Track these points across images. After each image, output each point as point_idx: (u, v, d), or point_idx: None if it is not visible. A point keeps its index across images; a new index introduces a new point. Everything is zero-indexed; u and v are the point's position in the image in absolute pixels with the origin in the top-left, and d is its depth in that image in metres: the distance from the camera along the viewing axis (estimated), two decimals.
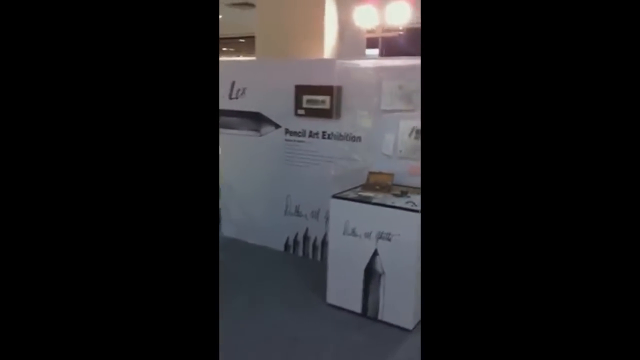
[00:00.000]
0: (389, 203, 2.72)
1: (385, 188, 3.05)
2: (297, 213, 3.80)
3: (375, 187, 3.08)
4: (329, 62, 3.50)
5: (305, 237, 3.79)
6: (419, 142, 3.09)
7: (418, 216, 2.54)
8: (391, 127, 3.21)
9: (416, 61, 3.04)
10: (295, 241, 3.85)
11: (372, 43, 5.22)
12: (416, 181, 3.11)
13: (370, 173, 3.22)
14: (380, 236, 2.69)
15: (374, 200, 2.78)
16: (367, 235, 2.73)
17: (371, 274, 2.76)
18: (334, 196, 2.88)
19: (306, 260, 3.76)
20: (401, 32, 5.62)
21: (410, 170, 3.12)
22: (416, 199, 2.78)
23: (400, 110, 3.14)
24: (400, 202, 2.75)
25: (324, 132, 3.56)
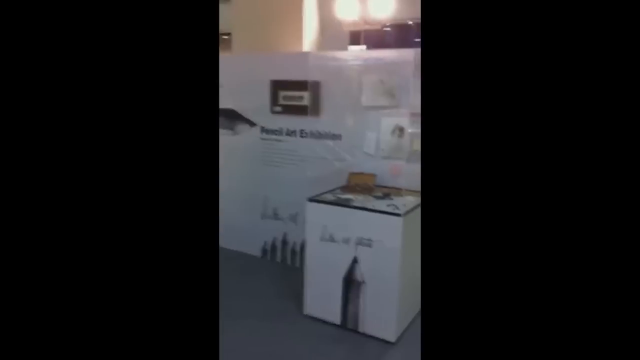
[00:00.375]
0: (369, 206, 2.51)
1: (367, 190, 2.85)
2: (275, 216, 3.58)
3: (356, 189, 2.88)
4: (305, 56, 3.28)
5: (284, 242, 3.58)
6: (401, 141, 2.90)
7: (400, 220, 2.34)
8: (373, 125, 3.02)
9: (398, 53, 2.84)
10: (273, 246, 3.63)
11: (356, 39, 5.03)
12: (399, 182, 2.92)
13: (351, 174, 3.02)
14: (360, 242, 2.48)
15: (353, 204, 2.58)
16: (346, 241, 2.52)
17: (351, 283, 2.56)
18: (311, 199, 2.67)
19: (285, 266, 3.55)
20: (387, 28, 5.44)
21: (392, 170, 2.93)
22: (398, 202, 2.58)
23: (382, 107, 2.94)
24: (381, 205, 2.55)
25: (302, 130, 3.34)
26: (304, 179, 3.25)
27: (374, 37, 5.30)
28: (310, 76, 3.14)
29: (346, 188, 2.92)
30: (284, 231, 3.55)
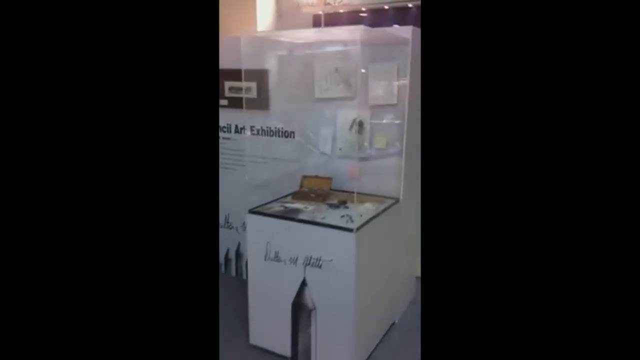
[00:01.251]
0: (318, 219, 2.11)
1: (321, 196, 2.44)
2: (227, 225, 3.17)
3: (309, 196, 2.47)
4: (248, 41, 2.78)
5: (238, 254, 3.17)
6: (361, 138, 2.49)
7: (352, 237, 1.94)
8: (328, 120, 2.60)
9: (354, 34, 2.41)
10: (227, 258, 3.22)
11: (320, 25, 4.56)
12: (359, 185, 2.52)
13: (305, 177, 2.61)
14: (308, 262, 2.08)
15: (303, 214, 2.17)
16: (293, 260, 2.12)
17: (300, 310, 2.16)
18: (252, 211, 2.25)
19: (239, 281, 3.14)
20: (363, 13, 4.97)
21: (350, 172, 2.52)
22: (355, 211, 2.18)
23: (338, 99, 2.52)
24: (334, 216, 2.14)
25: (252, 127, 2.92)
26: (257, 183, 2.84)
27: (344, 23, 4.83)
28: (255, 63, 2.70)
29: (298, 195, 2.51)
30: (237, 241, 3.14)
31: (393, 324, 2.57)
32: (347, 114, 2.51)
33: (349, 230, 1.95)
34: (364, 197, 2.43)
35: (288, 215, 2.15)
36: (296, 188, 2.58)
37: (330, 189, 2.52)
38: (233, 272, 3.21)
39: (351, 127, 2.52)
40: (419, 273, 2.94)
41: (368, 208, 2.24)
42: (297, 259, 2.11)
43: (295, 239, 2.10)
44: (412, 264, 2.82)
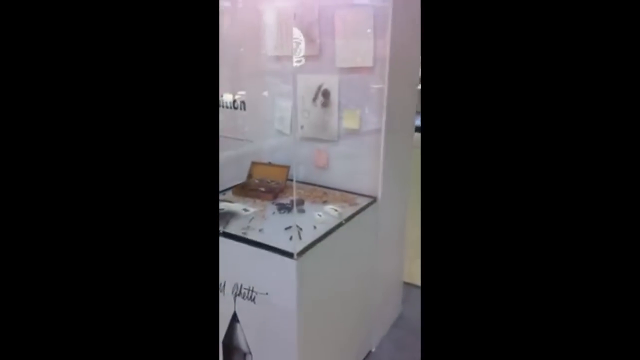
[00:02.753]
0: (255, 230, 1.49)
1: (271, 192, 1.82)
2: None
3: (257, 190, 1.85)
4: None
5: None
6: (328, 112, 1.83)
7: (292, 265, 1.33)
8: (287, 87, 1.94)
9: None
10: None
11: None
12: (326, 177, 1.89)
13: (254, 164, 1.98)
14: (239, 292, 1.49)
15: (234, 223, 1.56)
16: (220, 287, 1.53)
17: (232, 351, 1.59)
18: None
19: None
20: None
21: (315, 159, 1.88)
22: (309, 219, 1.56)
23: (296, 57, 1.85)
24: (277, 226, 1.52)
25: None
26: None
27: None
28: None
29: (244, 188, 1.89)
30: None
31: (369, 353, 2.01)
32: (309, 80, 1.84)
33: (289, 255, 1.33)
34: (329, 194, 1.81)
35: None
36: (244, 177, 1.96)
37: (288, 181, 1.90)
38: None
39: (315, 97, 1.85)
40: (406, 278, 2.36)
41: (328, 213, 1.61)
42: (224, 285, 1.52)
43: (221, 258, 1.50)
44: (397, 271, 2.23)
